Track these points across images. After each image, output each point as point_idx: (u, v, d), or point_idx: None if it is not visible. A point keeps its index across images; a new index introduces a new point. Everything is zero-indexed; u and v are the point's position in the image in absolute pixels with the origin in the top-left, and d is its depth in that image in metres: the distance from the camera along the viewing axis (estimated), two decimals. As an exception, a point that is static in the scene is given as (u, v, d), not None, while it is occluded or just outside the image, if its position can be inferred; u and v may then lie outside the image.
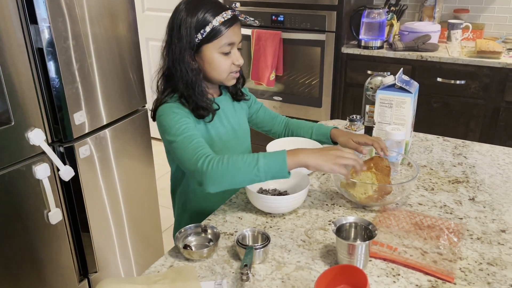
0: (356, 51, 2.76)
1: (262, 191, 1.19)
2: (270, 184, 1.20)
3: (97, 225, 1.85)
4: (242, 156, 1.05)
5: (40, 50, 1.54)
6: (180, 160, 1.11)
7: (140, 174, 2.05)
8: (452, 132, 2.61)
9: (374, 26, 2.73)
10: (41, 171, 1.56)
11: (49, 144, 1.63)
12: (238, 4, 1.24)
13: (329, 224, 1.08)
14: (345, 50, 2.79)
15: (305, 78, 2.99)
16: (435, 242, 1.01)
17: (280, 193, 1.18)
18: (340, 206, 1.15)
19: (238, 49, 1.22)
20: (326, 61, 2.84)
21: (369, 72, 2.75)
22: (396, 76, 1.32)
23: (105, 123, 1.82)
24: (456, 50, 2.65)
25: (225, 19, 1.15)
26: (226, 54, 1.18)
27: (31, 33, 1.51)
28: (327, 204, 1.16)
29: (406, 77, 1.38)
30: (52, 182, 1.63)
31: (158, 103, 1.22)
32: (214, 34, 1.15)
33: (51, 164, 1.60)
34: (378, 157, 1.21)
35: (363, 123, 1.44)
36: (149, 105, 1.50)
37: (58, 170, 1.63)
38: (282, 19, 2.90)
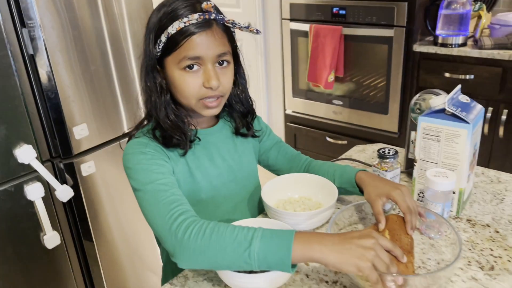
0: (432, 49, 2.30)
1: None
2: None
3: (105, 249, 1.68)
4: (233, 230, 0.75)
5: (32, 57, 1.37)
6: (149, 217, 0.84)
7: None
8: (554, 152, 2.06)
9: (455, 19, 2.24)
10: (34, 191, 1.41)
11: (47, 161, 1.48)
12: (208, 3, 0.87)
13: (319, 318, 0.75)
14: (418, 48, 2.33)
15: (370, 81, 2.58)
16: None
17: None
18: None
19: (222, 66, 0.89)
20: (394, 60, 2.41)
21: (447, 75, 2.28)
22: (448, 96, 0.93)
23: (113, 136, 1.63)
24: None
25: (187, 24, 0.84)
26: (192, 71, 0.87)
27: (21, 38, 1.35)
28: (326, 282, 0.83)
29: (465, 98, 0.97)
30: (48, 203, 1.48)
31: (129, 137, 0.96)
32: (171, 45, 0.86)
33: (47, 183, 1.45)
34: (396, 217, 0.85)
35: (407, 157, 1.06)
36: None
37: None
38: (344, 12, 2.52)
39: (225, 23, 0.88)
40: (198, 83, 0.88)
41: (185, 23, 0.84)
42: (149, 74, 0.89)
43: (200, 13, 0.85)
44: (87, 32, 1.48)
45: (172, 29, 0.84)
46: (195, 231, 0.75)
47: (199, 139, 0.95)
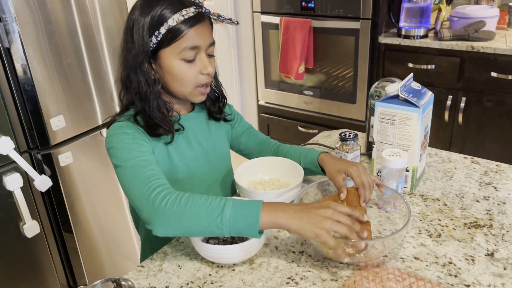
0: (396, 41, 2.41)
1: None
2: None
3: (83, 238, 1.73)
4: (207, 199, 0.83)
5: (8, 51, 1.40)
6: (128, 190, 0.90)
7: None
8: (508, 135, 2.21)
9: (417, 11, 2.36)
10: (12, 182, 1.45)
11: (25, 152, 1.52)
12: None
13: (286, 283, 0.84)
14: (383, 39, 2.45)
15: (338, 71, 2.68)
16: (421, 323, 0.74)
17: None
18: (309, 257, 0.90)
19: (210, 55, 0.99)
20: (361, 52, 2.52)
21: (410, 65, 2.40)
22: (401, 83, 1.02)
23: (88, 128, 1.67)
24: (516, 39, 2.22)
25: (185, 17, 0.92)
26: (190, 61, 0.96)
27: (-4, 32, 1.38)
28: (293, 252, 0.92)
29: (416, 85, 1.07)
30: (27, 193, 1.51)
31: (109, 121, 1.02)
32: (171, 36, 0.92)
33: (26, 174, 1.48)
34: (354, 190, 0.94)
35: (368, 141, 1.16)
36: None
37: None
38: (312, 5, 2.60)
39: (211, 16, 0.97)
40: (195, 70, 0.97)
41: (183, 16, 0.91)
42: (141, 67, 0.94)
43: (195, 7, 0.93)
44: (60, 26, 1.51)
45: (173, 21, 0.91)
46: (171, 200, 0.83)
47: (183, 128, 1.02)
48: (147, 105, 0.97)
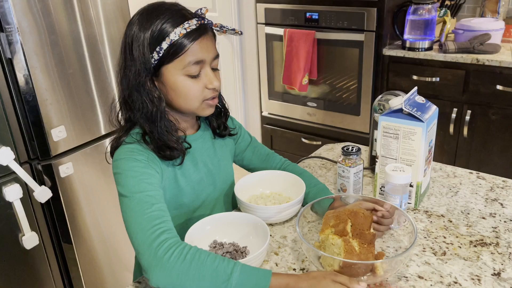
0: (400, 53, 2.40)
1: (216, 245, 0.94)
2: (227, 235, 0.96)
3: (83, 250, 1.71)
4: (214, 260, 0.77)
5: (10, 61, 1.40)
6: (129, 226, 0.82)
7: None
8: (514, 150, 2.19)
9: (421, 24, 2.35)
10: (12, 193, 1.43)
11: (26, 162, 1.51)
12: (204, 10, 0.93)
13: (286, 301, 0.81)
14: (387, 51, 2.43)
15: (342, 83, 2.67)
16: None
17: (236, 250, 0.92)
18: (309, 274, 0.88)
19: (214, 69, 0.95)
20: (365, 64, 2.51)
21: (414, 77, 2.38)
22: (405, 97, 1.01)
23: (90, 138, 1.66)
24: (522, 52, 2.20)
25: (188, 30, 0.88)
26: (195, 76, 0.91)
27: (-1, 43, 1.37)
28: (294, 269, 0.89)
29: (421, 99, 1.06)
30: (27, 204, 1.50)
31: (117, 142, 0.95)
32: (174, 52, 0.88)
33: (25, 185, 1.47)
34: (363, 214, 0.91)
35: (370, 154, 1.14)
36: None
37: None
38: (316, 17, 2.60)
39: (214, 27, 0.94)
40: (201, 85, 0.92)
41: (186, 29, 0.87)
42: (144, 86, 0.90)
43: (197, 19, 0.90)
44: (64, 36, 1.51)
45: (175, 35, 0.87)
46: (176, 254, 0.77)
47: (190, 146, 0.98)
48: (154, 126, 0.91)
